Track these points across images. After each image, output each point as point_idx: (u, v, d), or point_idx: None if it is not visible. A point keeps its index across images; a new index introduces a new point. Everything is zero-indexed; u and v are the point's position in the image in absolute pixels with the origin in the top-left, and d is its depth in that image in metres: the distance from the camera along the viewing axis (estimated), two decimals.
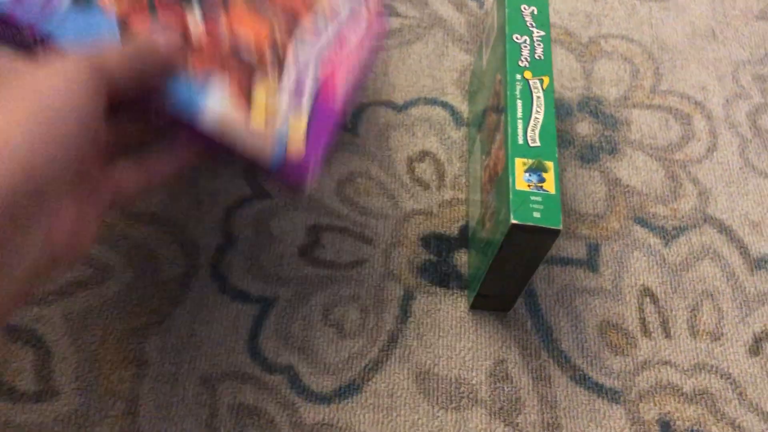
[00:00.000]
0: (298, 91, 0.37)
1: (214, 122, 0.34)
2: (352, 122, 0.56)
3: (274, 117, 0.36)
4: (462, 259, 0.51)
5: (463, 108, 0.58)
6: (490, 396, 0.46)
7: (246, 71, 0.36)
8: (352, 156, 0.55)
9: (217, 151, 0.35)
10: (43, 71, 0.28)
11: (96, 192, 0.32)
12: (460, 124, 0.57)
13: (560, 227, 0.38)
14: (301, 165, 0.36)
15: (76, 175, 0.29)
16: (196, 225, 0.50)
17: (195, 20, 0.36)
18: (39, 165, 0.26)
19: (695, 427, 0.46)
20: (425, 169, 0.54)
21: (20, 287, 0.28)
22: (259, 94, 0.36)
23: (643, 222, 0.53)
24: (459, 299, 0.49)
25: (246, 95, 0.35)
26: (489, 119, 0.47)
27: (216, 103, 0.34)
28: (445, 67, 0.60)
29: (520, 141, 0.41)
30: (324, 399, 0.45)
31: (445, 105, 0.58)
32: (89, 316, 0.46)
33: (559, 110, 0.58)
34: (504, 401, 0.46)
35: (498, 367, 0.47)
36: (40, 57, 0.32)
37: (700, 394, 0.47)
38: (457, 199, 0.53)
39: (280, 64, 0.37)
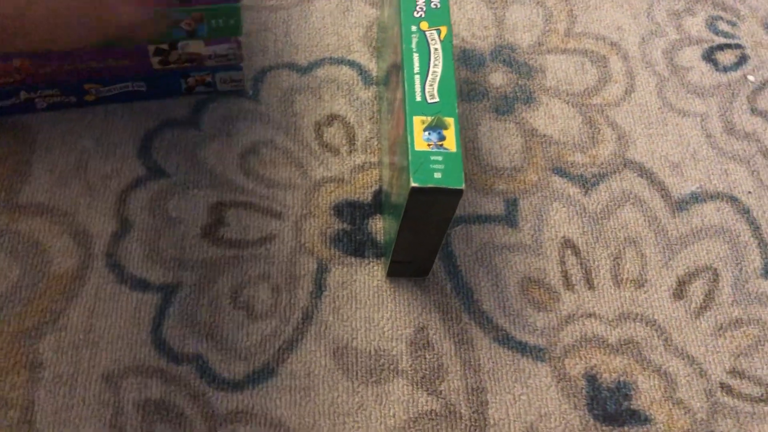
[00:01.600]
0: None
1: None
2: (253, 88, 0.53)
3: None
4: (377, 225, 0.48)
5: (372, 66, 0.55)
6: (411, 366, 0.44)
7: None
8: (254, 125, 0.51)
9: None
10: None
11: None
12: (369, 83, 0.54)
13: (462, 187, 0.36)
14: None
15: None
16: (87, 212, 0.47)
17: None
18: None
19: (622, 378, 0.45)
20: (334, 134, 0.52)
21: None
22: None
23: (561, 172, 0.52)
24: (375, 268, 0.47)
25: None
26: (392, 76, 0.45)
27: None
28: (351, 23, 0.57)
29: (418, 98, 0.39)
30: (236, 386, 0.43)
31: (352, 64, 0.55)
32: None
33: (472, 61, 0.56)
34: (426, 370, 0.44)
35: (419, 335, 0.45)
36: None
37: (625, 344, 0.46)
38: (370, 162, 0.51)
39: None
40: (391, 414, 0.42)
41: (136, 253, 0.46)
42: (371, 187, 0.50)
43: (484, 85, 0.55)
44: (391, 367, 0.44)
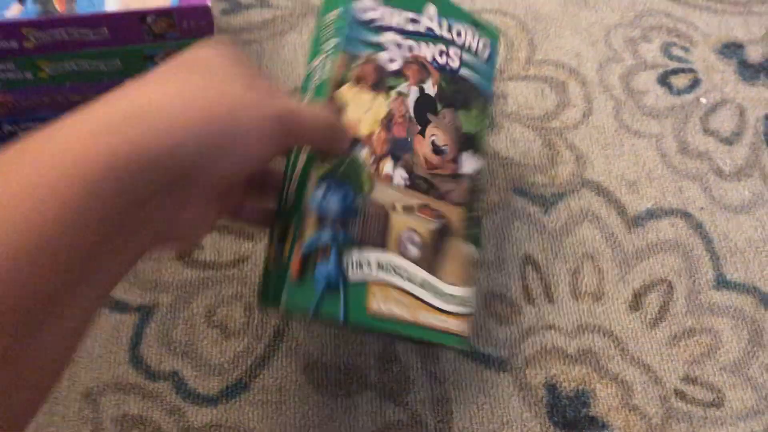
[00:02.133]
0: None
1: None
2: None
3: None
4: None
5: None
6: (379, 379, 0.46)
7: None
8: None
9: None
10: (250, 87, 0.29)
11: (225, 200, 0.34)
12: None
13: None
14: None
15: (221, 186, 0.29)
16: None
17: None
18: (194, 154, 0.26)
19: (580, 387, 0.47)
20: None
21: (130, 258, 0.28)
22: None
23: (522, 192, 0.54)
24: None
25: None
26: None
27: None
28: None
29: (279, 207, 0.38)
30: (211, 401, 0.45)
31: None
32: None
33: None
34: (393, 382, 0.46)
35: (386, 350, 0.47)
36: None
37: (584, 354, 0.48)
38: None
39: None
40: (360, 425, 0.44)
41: None
42: None
43: None
44: (360, 380, 0.46)
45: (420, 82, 0.40)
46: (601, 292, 0.51)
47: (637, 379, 0.47)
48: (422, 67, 0.40)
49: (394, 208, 0.38)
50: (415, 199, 0.39)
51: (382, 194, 0.37)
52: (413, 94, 0.40)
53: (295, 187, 0.36)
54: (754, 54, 0.63)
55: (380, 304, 0.36)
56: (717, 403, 0.47)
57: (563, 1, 0.65)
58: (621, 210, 0.54)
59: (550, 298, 0.50)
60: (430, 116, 0.40)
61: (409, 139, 0.39)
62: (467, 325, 0.40)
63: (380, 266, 0.37)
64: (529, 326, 0.49)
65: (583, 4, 0.65)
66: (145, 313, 0.47)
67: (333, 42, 0.38)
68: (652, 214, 0.54)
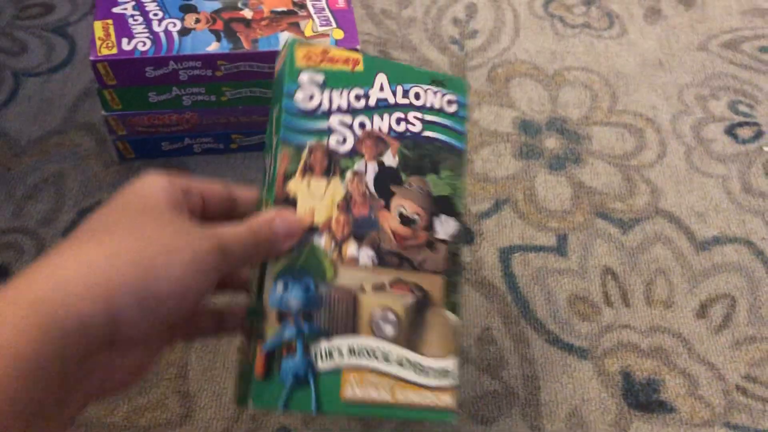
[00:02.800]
0: None
1: None
2: None
3: None
4: None
5: None
6: (479, 356, 0.55)
7: None
8: None
9: None
10: (178, 232, 0.31)
11: (172, 333, 0.35)
12: None
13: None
14: None
15: (163, 329, 0.31)
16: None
17: None
18: (131, 310, 0.28)
19: (652, 376, 0.54)
20: None
21: (75, 409, 0.30)
22: None
23: (603, 216, 0.63)
24: None
25: None
26: None
27: None
28: None
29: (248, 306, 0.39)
30: None
31: None
32: None
33: (530, 129, 0.69)
34: (490, 360, 0.55)
35: (485, 333, 0.56)
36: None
37: (655, 350, 0.56)
38: None
39: None
40: (462, 391, 0.53)
41: None
42: None
43: (540, 147, 0.68)
44: (463, 356, 0.55)
45: (378, 156, 0.39)
46: (671, 301, 0.59)
47: (702, 374, 0.55)
48: (378, 140, 0.39)
49: (362, 289, 0.37)
50: (386, 276, 0.38)
51: (348, 278, 0.37)
52: (371, 169, 0.38)
53: (255, 287, 0.37)
54: None
55: (355, 389, 0.36)
56: None
57: (641, 62, 0.75)
58: (690, 235, 0.62)
59: (626, 302, 0.58)
60: (393, 188, 0.39)
61: (372, 217, 0.38)
62: (453, 398, 0.39)
63: (352, 352, 0.36)
64: (608, 324, 0.57)
65: (659, 67, 0.75)
66: None
67: (276, 138, 0.38)
68: (718, 240, 0.62)
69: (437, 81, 0.41)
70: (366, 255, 0.38)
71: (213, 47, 0.57)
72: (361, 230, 0.38)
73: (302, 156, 0.37)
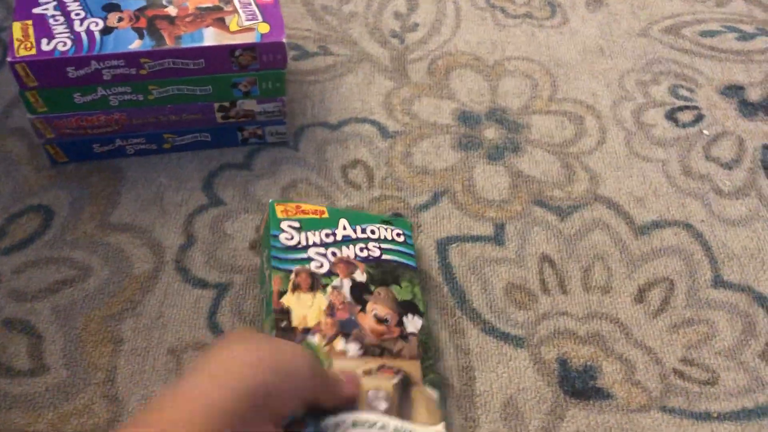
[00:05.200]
0: None
1: None
2: (293, 141, 0.67)
3: None
4: None
5: (389, 123, 0.68)
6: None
7: None
8: (294, 167, 0.65)
9: None
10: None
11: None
12: (386, 136, 0.67)
13: None
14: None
15: (287, 409, 0.38)
16: (161, 230, 0.60)
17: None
18: (279, 387, 0.36)
19: (588, 363, 0.54)
20: (357, 174, 0.64)
21: None
22: None
23: (541, 204, 0.63)
24: None
25: None
26: None
27: None
28: (373, 92, 0.71)
29: None
30: None
31: (372, 122, 0.68)
32: (74, 307, 0.55)
33: (470, 120, 0.69)
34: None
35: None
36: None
37: (592, 337, 0.55)
38: (384, 195, 0.63)
39: None
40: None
41: (198, 260, 0.58)
42: (386, 212, 0.62)
43: (479, 138, 0.67)
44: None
45: (350, 274, 0.50)
46: (609, 286, 0.58)
47: (640, 359, 0.54)
48: (348, 263, 0.51)
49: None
50: (373, 363, 0.47)
51: (342, 367, 0.46)
52: (346, 284, 0.49)
53: None
54: (753, 94, 0.72)
55: None
56: (711, 382, 0.53)
57: (583, 50, 0.75)
58: (629, 220, 0.62)
59: (563, 290, 0.58)
60: (366, 296, 0.49)
61: (353, 318, 0.48)
62: None
63: (356, 424, 0.43)
64: (545, 312, 0.57)
65: (599, 53, 0.75)
66: (222, 289, 0.57)
67: (268, 270, 0.49)
68: (657, 225, 0.62)
69: (386, 221, 0.55)
70: (353, 348, 0.47)
71: (135, 45, 0.56)
72: (346, 329, 0.47)
73: (290, 278, 0.49)
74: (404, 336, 0.49)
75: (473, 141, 0.67)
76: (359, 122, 0.68)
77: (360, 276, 0.50)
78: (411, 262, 0.53)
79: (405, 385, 0.47)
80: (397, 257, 0.53)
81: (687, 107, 0.71)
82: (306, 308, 0.47)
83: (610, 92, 0.72)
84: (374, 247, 0.53)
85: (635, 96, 0.71)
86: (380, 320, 0.49)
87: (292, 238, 0.51)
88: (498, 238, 0.61)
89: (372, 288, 0.50)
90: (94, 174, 0.63)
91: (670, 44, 0.76)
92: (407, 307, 0.51)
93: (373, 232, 0.53)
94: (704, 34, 0.77)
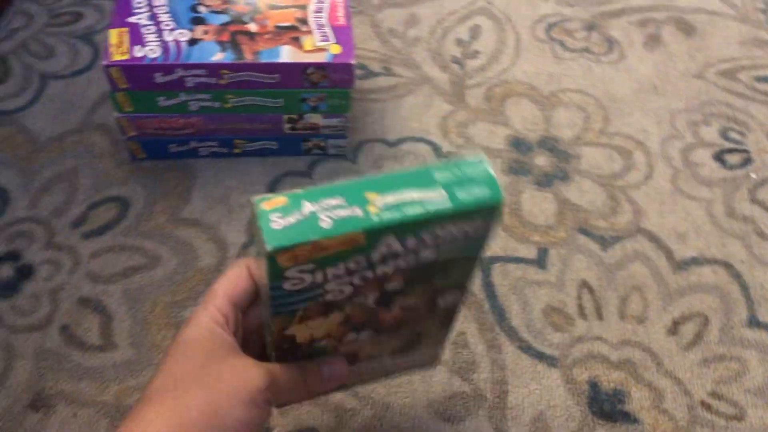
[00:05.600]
0: None
1: None
2: (353, 154, 0.71)
3: None
4: None
5: (443, 144, 0.72)
6: (451, 358, 0.57)
7: None
8: (351, 178, 0.69)
9: None
10: (234, 375, 0.36)
11: None
12: (440, 155, 0.71)
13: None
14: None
15: None
16: (227, 228, 0.65)
17: None
18: None
19: (618, 387, 0.56)
20: None
21: None
22: None
23: (585, 232, 0.66)
24: None
25: None
26: None
27: None
28: (431, 113, 0.75)
29: None
30: None
31: (428, 142, 0.72)
32: (143, 292, 0.60)
33: (522, 147, 0.72)
34: (462, 362, 0.57)
35: (459, 337, 0.59)
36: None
37: (624, 363, 0.58)
38: None
39: None
40: (433, 390, 0.56)
41: None
42: None
43: (529, 164, 0.71)
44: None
45: (380, 289, 0.37)
46: (644, 317, 0.60)
47: (669, 389, 0.56)
48: (380, 279, 0.36)
49: (360, 348, 0.43)
50: (384, 337, 0.42)
51: (345, 349, 0.42)
52: (372, 297, 0.37)
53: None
54: None
55: (353, 380, 0.45)
56: (738, 417, 0.55)
57: (637, 87, 0.78)
58: (669, 255, 0.64)
59: (600, 316, 0.60)
60: (396, 297, 0.38)
61: (371, 319, 0.40)
62: (439, 359, 0.47)
63: (351, 372, 0.43)
64: (580, 335, 0.59)
65: (653, 91, 0.77)
66: None
67: (267, 313, 0.37)
68: (696, 261, 0.64)
69: (464, 215, 0.34)
70: (365, 334, 0.41)
71: (217, 57, 0.61)
72: (361, 327, 0.40)
73: (296, 315, 0.36)
74: (432, 312, 0.42)
75: (523, 167, 0.70)
76: (416, 141, 0.72)
77: (395, 285, 0.37)
78: (475, 252, 0.38)
79: (415, 338, 0.44)
80: (459, 253, 0.37)
81: (736, 150, 0.72)
82: (315, 329, 0.38)
83: (661, 130, 0.74)
84: (430, 252, 0.35)
85: (685, 135, 0.74)
86: (407, 309, 0.40)
87: (302, 281, 0.34)
88: (541, 261, 0.63)
89: (407, 290, 0.38)
90: (169, 172, 0.69)
91: (725, 87, 0.78)
92: (449, 289, 0.40)
93: (436, 236, 0.34)
94: (760, 79, 0.79)
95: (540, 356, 0.58)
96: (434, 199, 0.33)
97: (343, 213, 0.32)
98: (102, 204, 0.66)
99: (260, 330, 0.40)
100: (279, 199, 0.31)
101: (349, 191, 0.32)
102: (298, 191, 0.32)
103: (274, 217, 0.31)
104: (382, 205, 0.32)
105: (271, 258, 0.31)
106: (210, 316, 0.38)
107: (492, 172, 0.34)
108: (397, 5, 0.86)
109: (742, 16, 0.86)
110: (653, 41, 0.83)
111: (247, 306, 0.40)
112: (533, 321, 0.60)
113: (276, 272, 0.32)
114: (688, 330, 0.60)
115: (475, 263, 0.39)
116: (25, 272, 0.61)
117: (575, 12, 0.86)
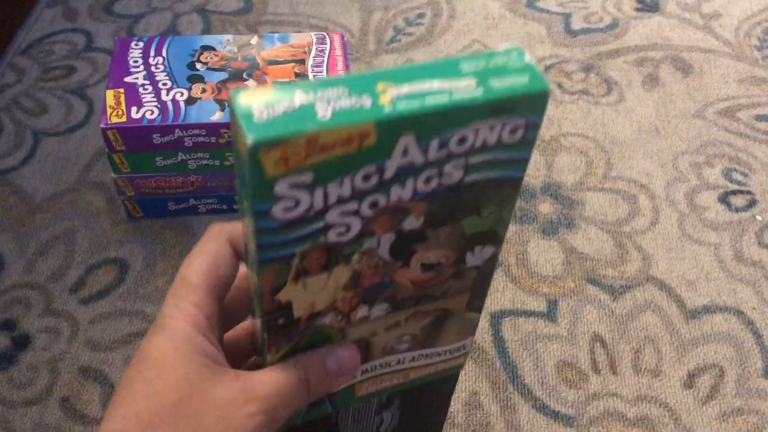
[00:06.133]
0: None
1: None
2: None
3: None
4: None
5: None
6: (465, 421, 0.56)
7: None
8: None
9: None
10: (216, 409, 0.28)
11: None
12: None
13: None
14: None
15: None
16: None
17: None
18: None
19: None
20: None
21: None
22: None
23: (594, 282, 0.65)
24: None
25: None
26: None
27: None
28: None
29: None
30: None
31: None
32: None
33: (525, 194, 0.71)
34: (476, 425, 0.56)
35: (472, 398, 0.57)
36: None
37: (641, 420, 0.56)
38: None
39: None
40: None
41: None
42: None
43: (534, 212, 0.70)
44: (449, 420, 0.56)
45: (395, 227, 0.29)
46: (659, 370, 0.59)
47: None
48: (396, 211, 0.29)
49: (374, 334, 0.34)
50: (402, 315, 0.34)
51: (358, 333, 0.33)
52: (386, 241, 0.30)
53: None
54: None
55: (369, 388, 0.37)
56: None
57: (638, 129, 0.77)
58: (680, 304, 0.63)
59: (614, 370, 0.59)
60: (415, 246, 0.31)
61: (386, 280, 0.31)
62: (465, 358, 0.39)
63: (365, 372, 0.36)
64: (595, 392, 0.58)
65: (655, 133, 0.77)
66: None
67: (251, 255, 0.29)
68: (708, 309, 0.63)
69: (500, 109, 0.27)
70: (379, 309, 0.33)
71: (217, 116, 0.60)
72: (372, 296, 0.32)
73: (292, 265, 0.28)
74: (459, 274, 0.33)
75: (528, 214, 0.69)
76: None
77: (412, 223, 0.29)
78: (516, 171, 0.30)
79: (439, 321, 0.35)
80: (495, 172, 0.29)
81: (740, 191, 0.72)
82: (315, 293, 0.30)
83: (664, 172, 0.73)
84: (455, 167, 0.28)
85: (689, 177, 0.73)
86: (429, 268, 0.32)
87: (297, 205, 0.26)
88: (551, 314, 0.62)
89: (428, 233, 0.30)
90: (167, 230, 0.67)
91: (725, 127, 0.78)
92: (479, 239, 0.32)
93: (462, 141, 0.27)
94: (759, 118, 0.79)
95: (555, 416, 0.56)
96: (463, 88, 0.26)
97: (346, 103, 0.25)
98: (100, 266, 0.64)
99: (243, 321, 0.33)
100: (263, 91, 0.24)
101: (355, 82, 0.25)
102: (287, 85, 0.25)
103: (257, 108, 0.24)
104: (397, 95, 0.25)
105: (254, 158, 0.23)
106: (187, 318, 0.29)
107: (532, 61, 0.27)
108: (394, 51, 0.85)
109: (737, 54, 0.86)
110: (651, 81, 0.83)
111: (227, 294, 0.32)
112: (546, 378, 0.59)
113: (262, 186, 0.24)
114: (705, 382, 0.58)
115: (514, 198, 0.31)
116: (22, 342, 0.59)
117: (572, 53, 0.86)
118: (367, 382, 0.36)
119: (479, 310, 0.36)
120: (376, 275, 0.31)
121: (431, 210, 0.29)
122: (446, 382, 0.41)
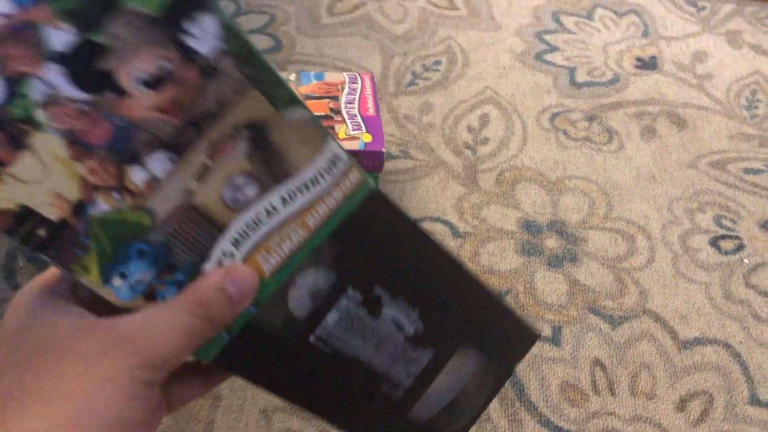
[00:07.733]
0: None
1: None
2: None
3: None
4: None
5: (459, 224, 0.77)
6: None
7: None
8: None
9: None
10: (92, 377, 0.25)
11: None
12: (456, 235, 0.75)
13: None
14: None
15: None
16: None
17: None
18: None
19: None
20: None
21: None
22: None
23: (595, 311, 0.70)
24: None
25: None
26: None
27: None
28: (447, 195, 0.80)
29: None
30: None
31: (445, 222, 0.77)
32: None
33: (532, 229, 0.77)
34: None
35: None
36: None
37: None
38: None
39: None
40: None
41: None
42: None
43: (541, 246, 0.75)
44: None
45: (40, 57, 0.23)
46: (653, 393, 0.64)
47: None
48: (19, 33, 0.23)
49: (190, 192, 0.28)
50: (197, 156, 0.27)
51: (166, 202, 0.27)
52: (55, 76, 0.24)
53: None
54: None
55: (271, 259, 0.30)
56: None
57: (636, 175, 0.84)
58: (674, 335, 0.69)
59: (612, 392, 0.64)
60: (101, 62, 0.24)
61: (119, 123, 0.25)
62: (359, 172, 0.32)
63: (237, 242, 0.29)
64: (595, 411, 0.63)
65: (652, 180, 0.84)
66: None
67: None
68: (699, 341, 0.68)
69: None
70: (156, 162, 0.26)
71: None
72: (125, 149, 0.25)
73: None
74: (208, 71, 0.26)
75: (535, 248, 0.75)
76: (433, 221, 0.77)
77: (59, 37, 0.23)
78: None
79: (259, 141, 0.28)
80: None
81: (729, 236, 0.78)
82: (43, 180, 0.25)
83: (660, 216, 0.80)
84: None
85: (683, 221, 0.79)
86: (153, 83, 0.25)
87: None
88: (555, 339, 0.67)
89: (103, 40, 0.24)
90: None
91: (716, 177, 0.85)
92: (180, 11, 0.24)
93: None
94: (747, 171, 0.86)
95: (558, 430, 0.61)
96: None
97: None
98: None
99: None
100: None
101: None
102: None
103: None
104: None
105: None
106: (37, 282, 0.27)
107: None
108: (412, 93, 0.92)
109: (727, 112, 0.94)
110: (649, 132, 0.90)
111: None
112: (551, 396, 0.63)
113: None
114: (695, 407, 0.64)
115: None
116: None
117: (577, 103, 0.93)
118: (259, 254, 0.30)
119: (294, 101, 0.28)
120: (95, 123, 0.25)
121: (70, 9, 0.22)
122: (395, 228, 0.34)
